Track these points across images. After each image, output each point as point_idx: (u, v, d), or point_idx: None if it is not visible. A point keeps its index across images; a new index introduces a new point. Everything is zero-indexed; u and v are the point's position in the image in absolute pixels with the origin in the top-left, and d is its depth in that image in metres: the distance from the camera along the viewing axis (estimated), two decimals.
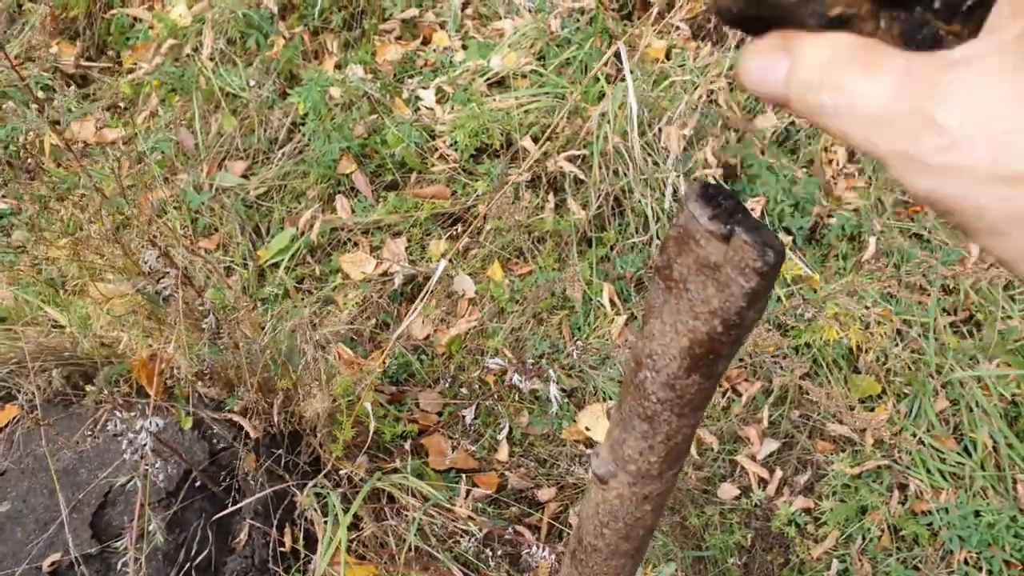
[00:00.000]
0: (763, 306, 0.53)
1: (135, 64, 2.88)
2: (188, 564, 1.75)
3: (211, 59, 2.80)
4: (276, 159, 2.66)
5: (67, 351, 1.85)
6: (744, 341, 0.57)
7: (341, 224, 2.56)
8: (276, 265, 2.50)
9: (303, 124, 2.68)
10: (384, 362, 2.05)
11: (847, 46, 0.34)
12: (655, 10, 2.92)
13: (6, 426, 1.86)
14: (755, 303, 0.51)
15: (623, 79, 2.62)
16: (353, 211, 2.59)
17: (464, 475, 2.12)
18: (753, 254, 0.48)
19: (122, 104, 2.81)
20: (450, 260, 2.46)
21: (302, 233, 2.54)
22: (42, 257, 1.77)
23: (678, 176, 2.42)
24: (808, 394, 2.33)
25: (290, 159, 2.66)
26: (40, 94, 2.46)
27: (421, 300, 1.55)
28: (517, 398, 2.27)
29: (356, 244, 2.56)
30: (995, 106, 0.28)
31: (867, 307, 2.40)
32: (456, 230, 2.58)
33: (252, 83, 2.73)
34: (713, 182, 0.53)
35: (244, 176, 2.66)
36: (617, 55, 2.35)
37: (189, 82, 2.76)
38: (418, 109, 2.75)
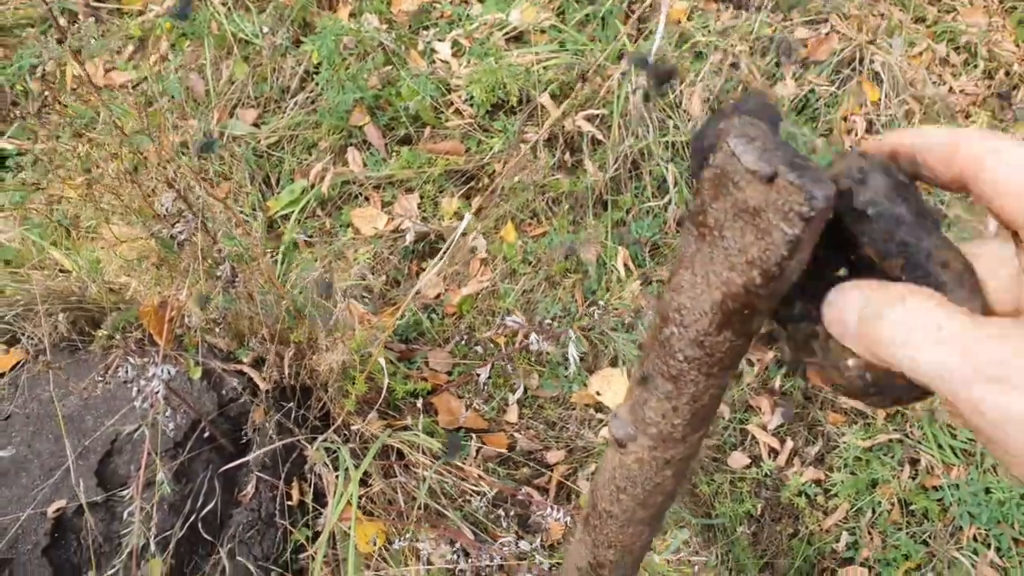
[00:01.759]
0: (806, 256, 0.48)
1: (145, 6, 2.81)
2: (194, 515, 1.73)
3: (224, 4, 2.73)
4: (288, 108, 2.61)
5: (74, 296, 1.81)
6: (782, 295, 0.53)
7: (352, 178, 2.51)
8: (286, 217, 2.46)
9: (316, 73, 2.62)
10: (398, 321, 2.01)
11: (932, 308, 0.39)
12: None
13: (11, 370, 1.83)
14: (798, 252, 0.47)
15: (645, 38, 2.57)
16: (365, 165, 2.54)
17: (473, 435, 2.10)
18: (799, 198, 0.44)
19: (131, 47, 2.74)
20: (469, 219, 2.42)
21: (313, 185, 2.49)
22: (55, 196, 1.72)
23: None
24: None
25: (302, 109, 2.60)
26: (62, 22, 2.39)
27: (439, 260, 1.51)
28: (530, 360, 2.24)
29: (367, 199, 2.52)
30: None
31: None
32: (470, 188, 2.53)
33: (265, 30, 2.66)
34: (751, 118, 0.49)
35: (255, 125, 2.60)
36: (641, 16, 2.29)
37: (201, 27, 2.69)
38: (434, 62, 2.69)
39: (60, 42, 1.11)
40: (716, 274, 0.51)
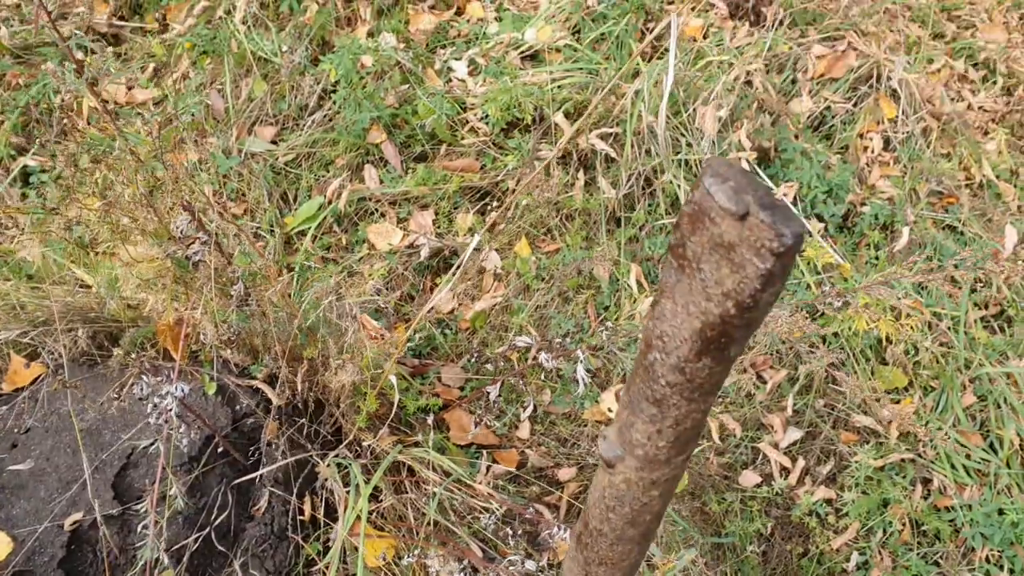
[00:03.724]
0: (779, 289, 0.51)
1: (167, 25, 2.86)
2: (208, 528, 1.76)
3: (244, 22, 2.78)
4: (306, 126, 2.65)
5: (93, 311, 1.85)
6: (757, 326, 0.55)
7: (369, 194, 2.55)
8: (303, 233, 2.49)
9: (334, 91, 2.66)
10: (411, 336, 2.04)
11: None
12: None
13: (31, 384, 1.87)
14: (770, 285, 0.49)
15: (659, 57, 2.59)
16: (381, 181, 2.57)
17: (484, 451, 2.11)
18: (770, 234, 0.46)
19: (153, 65, 2.80)
20: (480, 235, 2.44)
21: (330, 202, 2.53)
22: (73, 218, 1.77)
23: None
24: (835, 383, 2.30)
25: (320, 126, 2.64)
26: (79, 55, 2.45)
27: (452, 276, 1.53)
28: (541, 377, 2.26)
29: (383, 215, 2.55)
30: None
31: (898, 298, 2.36)
32: (485, 205, 2.56)
33: (284, 48, 2.71)
34: (729, 159, 0.51)
35: (273, 142, 2.64)
36: (656, 32, 2.31)
37: (221, 45, 2.74)
38: (450, 80, 2.72)
39: (78, 74, 1.14)
40: (695, 304, 0.54)
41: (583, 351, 1.63)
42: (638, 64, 2.60)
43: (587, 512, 0.79)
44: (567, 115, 2.56)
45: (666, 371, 0.59)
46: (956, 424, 2.26)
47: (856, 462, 2.19)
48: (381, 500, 1.85)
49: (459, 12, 2.95)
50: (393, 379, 1.76)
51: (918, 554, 2.08)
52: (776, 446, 2.23)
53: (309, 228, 2.48)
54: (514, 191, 2.48)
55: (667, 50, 2.64)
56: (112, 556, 1.68)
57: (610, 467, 0.70)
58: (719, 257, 0.51)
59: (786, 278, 0.50)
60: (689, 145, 2.48)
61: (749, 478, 2.18)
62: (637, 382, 0.62)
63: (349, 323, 1.67)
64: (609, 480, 0.71)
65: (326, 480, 1.82)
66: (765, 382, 2.30)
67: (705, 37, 2.83)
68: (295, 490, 1.85)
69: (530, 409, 2.19)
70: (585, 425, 2.23)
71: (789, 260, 0.48)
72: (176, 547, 1.70)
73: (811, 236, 2.50)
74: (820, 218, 2.58)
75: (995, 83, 3.10)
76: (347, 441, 1.86)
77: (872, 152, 2.85)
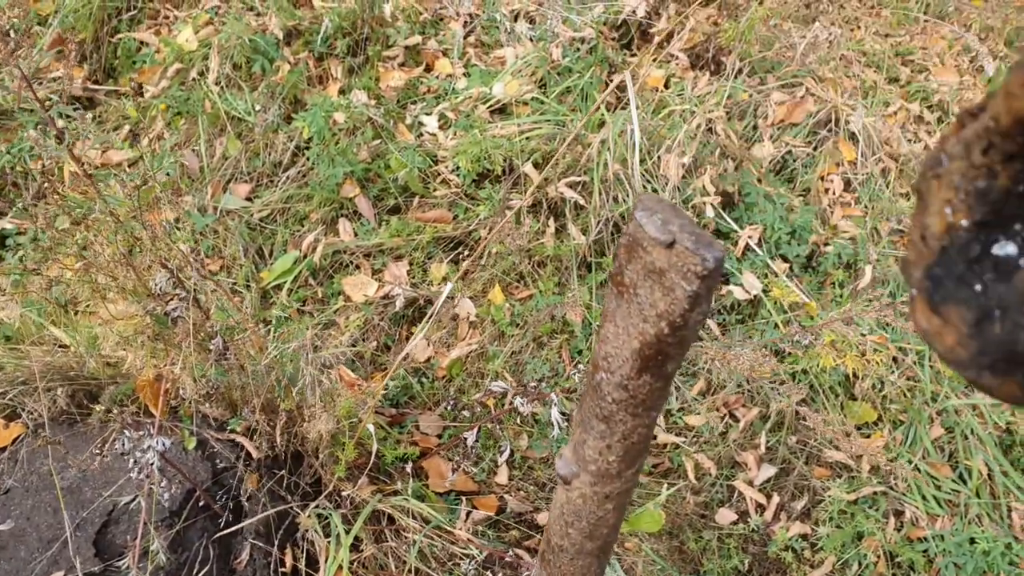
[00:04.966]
0: (706, 309, 0.56)
1: (141, 87, 2.91)
2: None
3: (217, 83, 2.84)
4: (280, 182, 2.69)
5: (73, 370, 1.87)
6: (689, 344, 0.61)
7: (344, 247, 2.59)
8: (279, 287, 2.53)
9: (307, 148, 2.71)
10: (386, 386, 2.07)
11: None
12: (656, 40, 2.96)
13: (11, 444, 1.87)
14: (697, 305, 0.55)
15: (623, 107, 2.67)
16: (356, 234, 2.62)
17: (464, 497, 2.13)
18: (694, 259, 0.52)
19: (128, 126, 2.84)
20: (453, 284, 2.49)
21: (305, 256, 2.57)
22: (53, 279, 1.80)
23: (677, 203, 2.46)
24: (805, 420, 2.35)
25: (294, 182, 2.69)
26: (60, 122, 2.49)
27: (425, 324, 1.57)
28: (517, 421, 2.29)
29: (358, 267, 2.59)
30: None
31: (863, 335, 2.42)
32: (458, 254, 2.61)
33: (257, 107, 2.76)
34: (657, 196, 0.57)
35: (248, 199, 2.69)
36: (620, 84, 2.39)
37: (195, 106, 2.79)
38: (421, 135, 2.79)
39: (59, 140, 1.18)
40: (634, 326, 0.59)
41: (557, 395, 1.66)
42: (603, 115, 2.68)
43: (548, 529, 0.83)
44: (536, 165, 2.63)
45: (611, 389, 0.64)
46: (925, 456, 2.31)
47: (829, 496, 2.23)
48: (362, 549, 1.86)
49: (428, 69, 3.03)
50: (371, 428, 1.79)
51: None
52: (751, 483, 2.27)
53: (285, 282, 2.52)
54: (486, 239, 2.53)
55: (629, 102, 2.73)
56: None
57: (567, 484, 0.74)
58: (652, 282, 0.56)
59: (711, 299, 0.56)
60: (655, 191, 2.55)
61: (725, 516, 2.21)
62: (587, 401, 0.68)
63: (324, 374, 1.70)
64: (567, 496, 0.76)
65: (307, 531, 1.83)
66: (738, 420, 2.35)
67: (667, 87, 2.92)
68: (276, 542, 1.86)
69: (506, 454, 2.22)
70: None
71: (712, 282, 0.53)
72: None
73: (777, 276, 2.57)
74: (785, 259, 2.65)
75: (949, 123, 3.20)
76: (327, 492, 1.88)
77: (833, 193, 2.94)
